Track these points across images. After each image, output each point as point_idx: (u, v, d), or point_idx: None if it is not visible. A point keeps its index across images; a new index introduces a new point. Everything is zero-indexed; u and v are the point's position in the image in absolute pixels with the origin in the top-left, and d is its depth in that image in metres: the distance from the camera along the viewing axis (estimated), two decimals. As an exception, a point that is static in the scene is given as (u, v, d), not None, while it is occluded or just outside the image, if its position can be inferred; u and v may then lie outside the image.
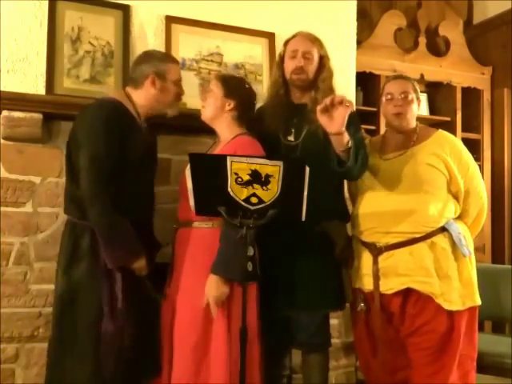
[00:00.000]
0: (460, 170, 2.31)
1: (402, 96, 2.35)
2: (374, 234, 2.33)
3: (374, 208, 2.34)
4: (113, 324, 2.15)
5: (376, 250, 2.32)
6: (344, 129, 2.10)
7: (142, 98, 2.33)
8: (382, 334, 2.34)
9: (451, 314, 2.23)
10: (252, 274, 2.04)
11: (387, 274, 2.29)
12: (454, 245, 2.27)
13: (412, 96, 2.36)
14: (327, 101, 2.07)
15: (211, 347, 2.20)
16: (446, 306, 2.22)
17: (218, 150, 2.34)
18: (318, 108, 2.10)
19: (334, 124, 2.08)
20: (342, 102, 2.06)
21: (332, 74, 2.44)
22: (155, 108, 2.36)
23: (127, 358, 2.18)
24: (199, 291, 2.20)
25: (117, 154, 2.17)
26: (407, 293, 2.27)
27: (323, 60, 2.43)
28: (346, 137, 2.12)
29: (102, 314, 2.16)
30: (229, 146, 2.28)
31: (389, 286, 2.29)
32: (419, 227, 2.25)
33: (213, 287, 2.16)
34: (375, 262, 2.31)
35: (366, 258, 2.36)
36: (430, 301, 2.23)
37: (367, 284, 2.35)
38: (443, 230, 2.27)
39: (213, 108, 2.35)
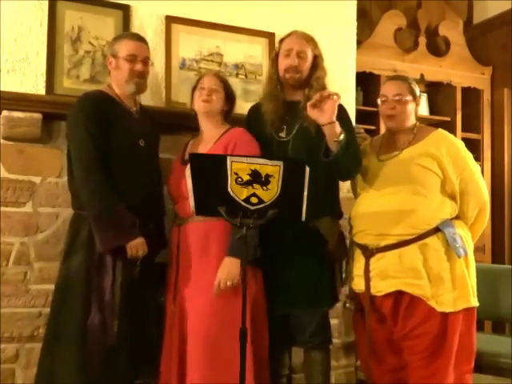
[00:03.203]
0: (455, 170, 2.29)
1: (396, 98, 2.34)
2: (366, 236, 2.33)
3: (367, 210, 2.34)
4: (99, 317, 2.16)
5: (368, 252, 2.32)
6: (335, 118, 2.20)
7: (113, 82, 2.40)
8: (378, 335, 2.35)
9: (445, 316, 2.21)
10: (259, 259, 2.27)
11: (378, 276, 2.28)
12: (447, 245, 2.24)
13: (406, 97, 2.35)
14: (317, 97, 2.20)
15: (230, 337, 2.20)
16: (438, 308, 2.20)
17: (211, 145, 2.37)
18: (308, 104, 2.22)
19: (324, 116, 2.20)
20: (329, 96, 2.19)
21: (325, 73, 2.46)
22: (121, 88, 2.38)
23: (116, 355, 2.18)
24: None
25: (102, 140, 2.22)
26: (399, 295, 2.26)
27: (317, 59, 2.45)
28: (338, 127, 2.21)
29: (91, 306, 2.17)
30: (227, 138, 2.35)
31: (379, 288, 2.29)
32: (410, 229, 2.24)
33: (230, 268, 2.22)
34: (367, 264, 2.31)
35: (359, 260, 2.36)
36: (422, 303, 2.22)
37: (359, 285, 2.36)
38: (437, 230, 2.25)
39: (219, 105, 2.43)
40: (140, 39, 2.42)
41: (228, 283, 2.21)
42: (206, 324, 2.24)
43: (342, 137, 2.20)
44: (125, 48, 2.35)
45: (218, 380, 2.19)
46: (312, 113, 2.22)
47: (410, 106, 2.37)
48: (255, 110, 2.55)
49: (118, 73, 2.37)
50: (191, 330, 2.26)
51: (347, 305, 2.42)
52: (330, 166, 2.27)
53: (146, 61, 2.39)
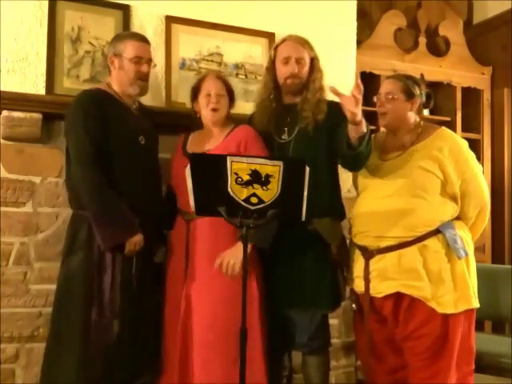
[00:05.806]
0: (457, 171, 2.27)
1: (389, 97, 2.33)
2: (365, 238, 2.33)
3: (367, 210, 2.33)
4: (99, 317, 2.17)
5: (368, 254, 2.31)
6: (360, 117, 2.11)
7: (114, 81, 2.37)
8: (378, 336, 2.34)
9: (446, 317, 2.21)
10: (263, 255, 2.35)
11: (377, 277, 2.28)
12: (448, 247, 2.24)
13: (398, 95, 2.32)
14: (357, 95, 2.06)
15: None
16: (439, 309, 2.19)
17: (220, 141, 2.39)
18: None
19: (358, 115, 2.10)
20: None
21: (322, 73, 2.47)
22: (124, 89, 2.36)
23: (116, 355, 2.18)
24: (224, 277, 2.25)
25: (100, 137, 2.21)
26: (399, 297, 2.25)
27: (314, 62, 2.47)
28: (364, 126, 2.14)
29: (91, 306, 2.17)
30: (237, 135, 2.38)
31: (378, 289, 2.28)
32: (409, 231, 2.23)
33: (237, 249, 2.22)
34: (366, 265, 2.31)
35: (359, 261, 2.36)
36: (422, 305, 2.21)
37: (359, 286, 2.36)
38: (437, 232, 2.24)
39: (226, 110, 2.45)
40: (144, 40, 2.40)
41: (231, 262, 2.22)
42: (229, 318, 2.22)
43: (366, 129, 2.17)
44: (131, 49, 2.33)
45: (223, 379, 2.19)
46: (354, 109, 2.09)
47: (402, 105, 2.33)
48: (253, 119, 2.55)
49: (121, 73, 2.34)
50: (198, 325, 2.26)
51: (353, 305, 2.41)
52: (351, 159, 2.26)
53: (149, 62, 2.38)
